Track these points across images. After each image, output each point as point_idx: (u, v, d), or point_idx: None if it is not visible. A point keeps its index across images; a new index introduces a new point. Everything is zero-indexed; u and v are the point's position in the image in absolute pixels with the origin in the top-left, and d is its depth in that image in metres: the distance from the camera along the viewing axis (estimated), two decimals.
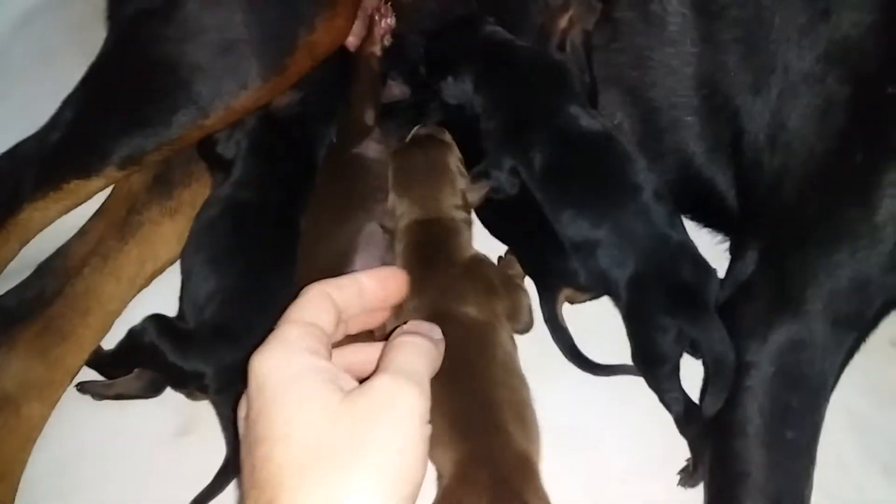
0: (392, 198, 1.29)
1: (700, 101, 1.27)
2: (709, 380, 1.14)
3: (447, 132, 1.34)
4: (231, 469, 1.18)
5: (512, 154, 1.28)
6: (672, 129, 1.31)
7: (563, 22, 1.33)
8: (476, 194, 1.30)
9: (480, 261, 1.25)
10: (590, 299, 1.27)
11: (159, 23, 1.23)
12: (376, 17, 1.38)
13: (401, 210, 1.28)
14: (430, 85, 1.37)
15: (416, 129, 1.34)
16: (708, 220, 1.34)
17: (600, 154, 1.23)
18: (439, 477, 1.07)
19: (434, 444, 1.00)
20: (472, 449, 1.05)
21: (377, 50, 1.39)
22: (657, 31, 1.29)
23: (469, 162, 1.32)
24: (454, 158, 1.32)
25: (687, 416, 1.16)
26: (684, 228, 1.22)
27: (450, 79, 1.34)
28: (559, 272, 1.24)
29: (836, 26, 1.15)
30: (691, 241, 1.20)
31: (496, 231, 1.33)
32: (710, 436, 1.14)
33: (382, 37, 1.39)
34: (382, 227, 1.28)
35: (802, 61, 1.16)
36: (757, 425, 1.09)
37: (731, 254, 1.27)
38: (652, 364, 1.17)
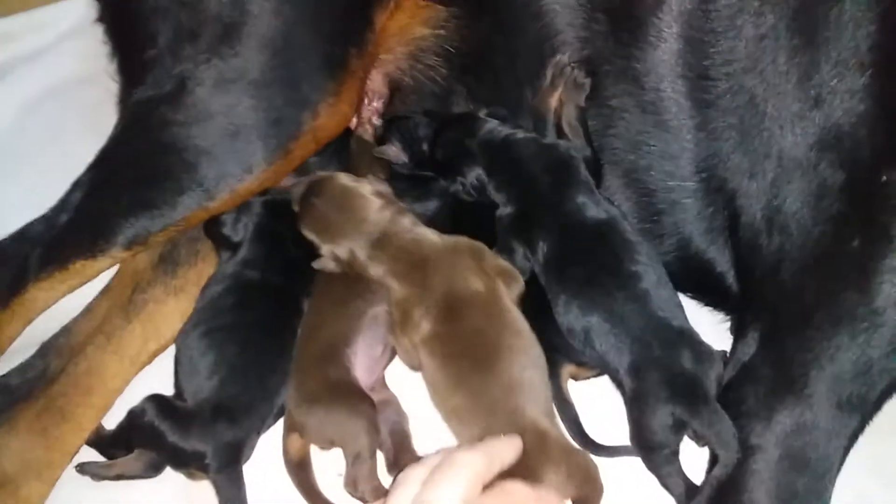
0: (326, 249, 1.30)
1: (697, 184, 1.30)
2: (712, 466, 1.14)
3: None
4: None
5: (521, 243, 1.31)
6: (670, 211, 1.33)
7: (553, 101, 1.36)
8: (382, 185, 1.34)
9: (454, 241, 1.29)
10: (594, 376, 1.28)
11: (168, 108, 1.27)
12: (365, 102, 1.43)
13: (335, 249, 1.29)
14: (448, 185, 1.41)
15: (295, 190, 1.35)
16: (708, 299, 1.35)
17: (599, 244, 1.26)
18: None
19: (456, 419, 1.14)
20: (489, 426, 1.11)
21: (368, 128, 1.44)
22: (652, 117, 1.31)
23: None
24: (346, 177, 1.34)
25: (688, 499, 1.16)
26: (685, 317, 1.23)
27: (459, 180, 1.38)
28: (563, 349, 1.25)
29: (829, 114, 1.17)
30: (692, 329, 1.21)
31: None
32: None
33: (370, 118, 1.44)
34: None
35: (796, 147, 1.18)
36: None
37: (732, 333, 1.28)
38: (649, 450, 1.17)
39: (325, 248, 1.31)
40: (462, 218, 1.39)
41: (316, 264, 1.32)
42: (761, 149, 1.23)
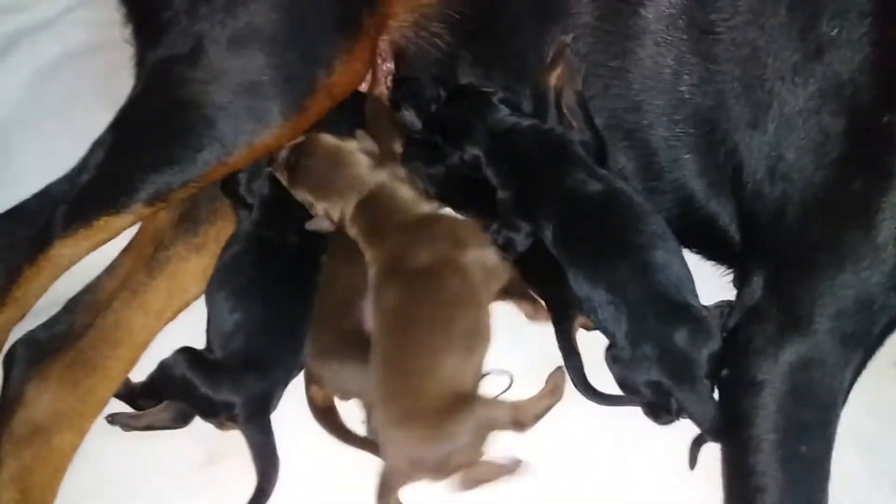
0: (320, 207, 1.34)
1: (698, 139, 1.33)
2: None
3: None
4: (261, 495, 1.22)
5: (523, 220, 1.34)
6: (672, 167, 1.36)
7: (552, 80, 1.38)
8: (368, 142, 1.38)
9: (438, 217, 1.33)
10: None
11: (186, 66, 1.30)
12: (378, 62, 1.46)
13: (329, 208, 1.33)
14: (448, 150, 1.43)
15: (280, 155, 1.37)
16: (711, 253, 1.38)
17: (603, 217, 1.30)
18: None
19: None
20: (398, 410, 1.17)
21: (382, 90, 1.46)
22: (653, 74, 1.34)
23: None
24: (331, 137, 1.37)
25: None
26: (693, 290, 1.26)
27: (457, 153, 1.41)
28: (576, 301, 1.28)
29: (829, 63, 1.21)
30: (696, 304, 1.24)
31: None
32: (724, 453, 1.18)
33: (385, 79, 1.46)
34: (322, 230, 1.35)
35: (797, 97, 1.22)
36: (772, 441, 1.13)
37: (734, 284, 1.33)
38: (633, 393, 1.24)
39: (319, 207, 1.35)
40: (470, 186, 1.42)
41: (310, 225, 1.36)
42: (763, 100, 1.26)
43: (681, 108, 1.33)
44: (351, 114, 1.43)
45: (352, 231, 1.32)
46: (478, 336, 1.23)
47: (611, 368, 1.25)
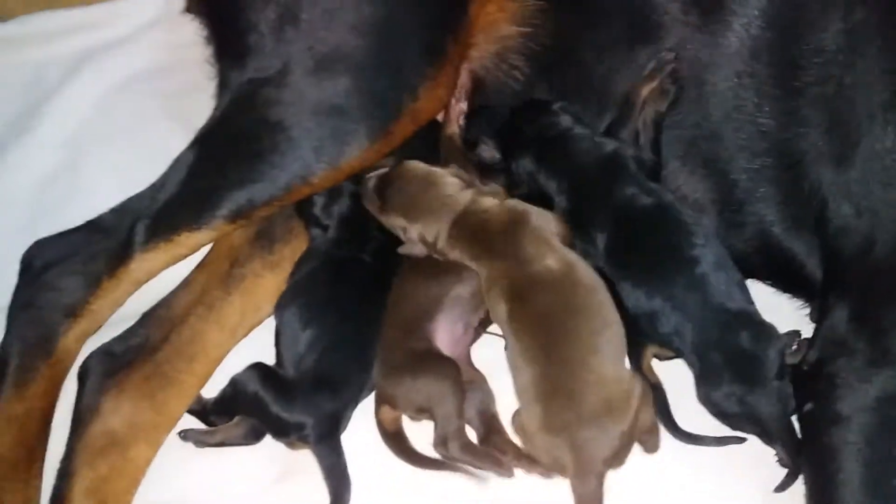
0: (414, 230, 1.34)
1: (781, 173, 1.33)
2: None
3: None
4: None
5: (577, 235, 1.35)
6: (751, 200, 1.36)
7: (644, 93, 1.39)
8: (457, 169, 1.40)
9: (520, 212, 1.33)
10: (676, 357, 1.30)
11: (273, 89, 1.31)
12: (452, 102, 1.47)
13: (424, 230, 1.33)
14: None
15: (369, 184, 1.39)
16: (788, 285, 1.39)
17: (654, 231, 1.30)
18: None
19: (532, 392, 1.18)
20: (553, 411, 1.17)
21: (455, 128, 1.48)
22: (734, 105, 1.35)
23: None
24: (421, 164, 1.38)
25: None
26: (747, 296, 1.27)
27: (512, 163, 1.43)
28: (644, 329, 1.28)
29: None
30: (753, 309, 1.26)
31: None
32: (810, 490, 1.18)
33: (457, 118, 1.48)
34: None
35: (886, 135, 1.23)
36: (861, 476, 1.11)
37: (812, 318, 1.33)
38: (722, 417, 1.24)
39: (412, 230, 1.35)
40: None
41: (402, 250, 1.37)
42: (850, 136, 1.26)
43: (761, 141, 1.33)
44: (425, 143, 1.45)
45: (452, 253, 1.33)
46: (614, 333, 1.24)
47: (701, 401, 1.24)
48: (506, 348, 1.28)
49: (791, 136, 1.32)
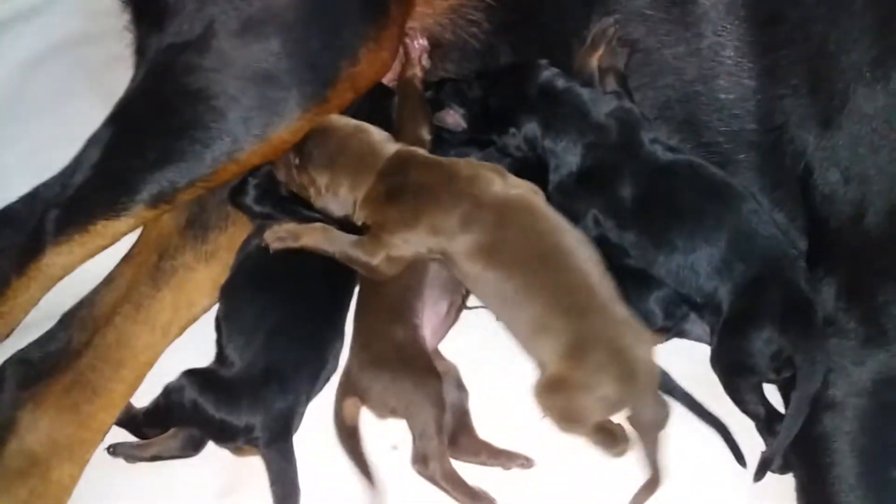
0: (341, 186, 1.22)
1: (760, 136, 1.24)
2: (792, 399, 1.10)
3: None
4: None
5: (590, 200, 1.25)
6: (731, 168, 1.26)
7: (593, 62, 1.31)
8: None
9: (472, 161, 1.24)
10: (664, 341, 1.23)
11: (194, 53, 1.19)
12: (409, 41, 1.34)
13: (353, 186, 1.21)
14: (494, 139, 1.32)
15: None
16: None
17: (694, 173, 1.23)
18: (541, 366, 1.13)
19: (534, 333, 1.10)
20: (577, 330, 1.09)
21: (418, 71, 1.34)
22: (712, 66, 1.25)
23: None
24: (347, 118, 1.25)
25: (768, 426, 1.14)
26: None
27: (512, 130, 1.30)
28: (640, 314, 1.19)
29: None
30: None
31: None
32: (801, 482, 1.10)
33: (419, 58, 1.34)
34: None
35: (876, 95, 1.13)
36: (856, 466, 1.03)
37: None
38: (740, 375, 1.15)
39: (341, 187, 1.22)
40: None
41: (318, 204, 1.23)
42: (836, 97, 1.17)
43: (739, 104, 1.24)
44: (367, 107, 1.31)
45: (366, 212, 1.21)
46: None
47: (717, 367, 1.17)
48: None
49: (772, 97, 1.22)
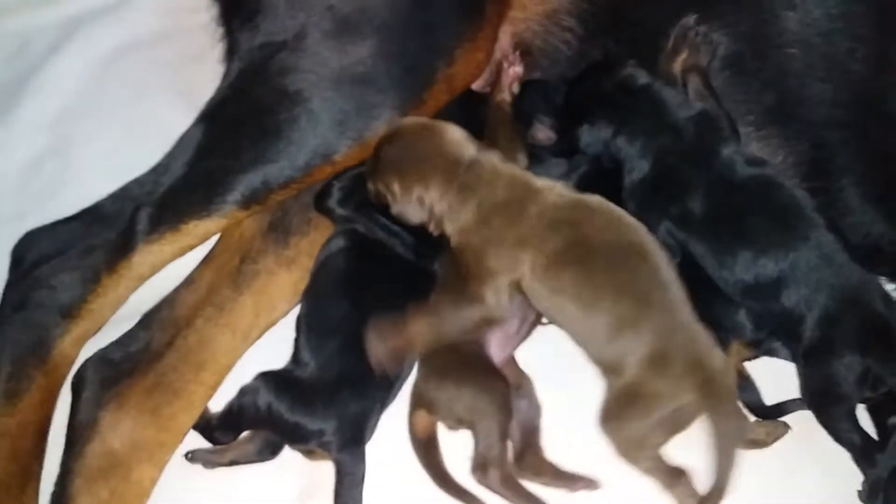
0: (413, 190, 1.17)
1: (871, 128, 1.20)
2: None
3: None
4: None
5: (661, 208, 1.20)
6: (835, 164, 1.22)
7: (677, 67, 1.27)
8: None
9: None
10: (754, 357, 1.20)
11: (289, 54, 1.17)
12: (504, 65, 1.31)
13: (426, 192, 1.16)
14: (568, 133, 1.28)
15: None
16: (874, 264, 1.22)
17: (767, 193, 1.18)
18: (611, 372, 1.08)
19: (616, 332, 1.06)
20: (663, 328, 1.06)
21: (506, 96, 1.30)
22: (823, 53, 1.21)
23: None
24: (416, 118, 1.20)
25: (865, 455, 1.10)
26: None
27: (585, 126, 1.26)
28: (728, 327, 1.17)
29: None
30: (874, 275, 1.15)
31: None
32: None
33: (510, 84, 1.31)
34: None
35: None
36: None
37: None
38: (830, 404, 1.12)
39: (413, 191, 1.17)
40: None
41: (395, 210, 1.19)
42: None
43: (851, 92, 1.19)
44: (463, 115, 1.27)
45: (461, 216, 1.16)
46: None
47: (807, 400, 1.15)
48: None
49: (886, 87, 1.17)
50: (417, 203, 1.18)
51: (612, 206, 1.15)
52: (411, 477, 1.14)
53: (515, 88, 1.30)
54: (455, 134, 1.19)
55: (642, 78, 1.26)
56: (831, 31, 1.19)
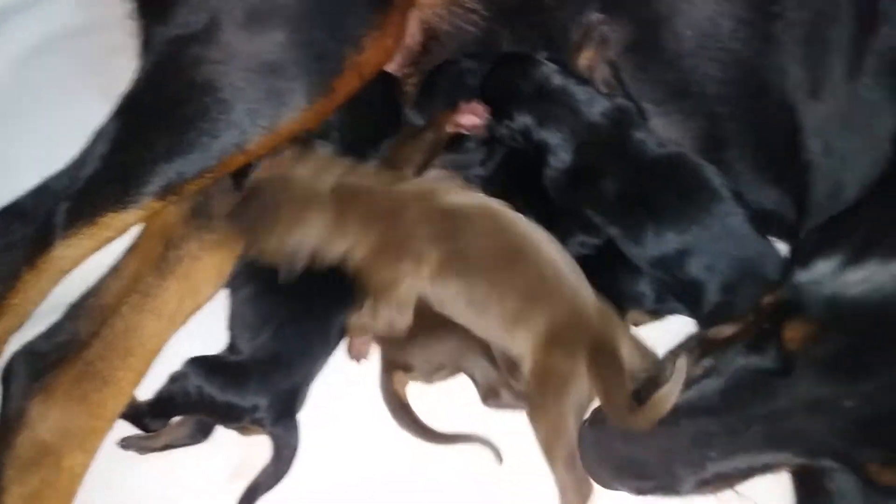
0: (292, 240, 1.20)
1: (756, 105, 1.24)
2: None
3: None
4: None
5: (581, 194, 1.26)
6: (729, 139, 1.26)
7: (583, 61, 1.32)
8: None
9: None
10: (651, 321, 1.26)
11: (201, 46, 1.18)
12: (464, 116, 1.32)
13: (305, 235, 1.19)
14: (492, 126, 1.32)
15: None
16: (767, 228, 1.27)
17: (675, 171, 1.23)
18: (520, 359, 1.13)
19: (521, 322, 1.11)
20: (555, 312, 1.11)
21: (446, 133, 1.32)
22: (708, 36, 1.24)
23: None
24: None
25: None
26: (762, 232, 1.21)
27: (506, 122, 1.31)
28: (629, 296, 1.23)
29: (885, 38, 1.12)
30: (771, 243, 1.20)
31: None
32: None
33: (470, 128, 1.33)
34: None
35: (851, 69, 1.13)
36: None
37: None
38: None
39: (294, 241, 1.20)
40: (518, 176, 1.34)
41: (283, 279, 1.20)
42: (823, 69, 1.17)
43: (736, 70, 1.23)
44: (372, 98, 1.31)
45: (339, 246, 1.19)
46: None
47: None
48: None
49: (768, 65, 1.21)
50: (300, 246, 1.20)
51: (492, 208, 1.19)
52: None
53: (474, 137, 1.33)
54: (305, 170, 1.22)
55: (557, 79, 1.30)
56: (718, 13, 1.23)
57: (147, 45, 1.25)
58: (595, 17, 1.29)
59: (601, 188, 1.24)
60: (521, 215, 1.20)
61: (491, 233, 1.17)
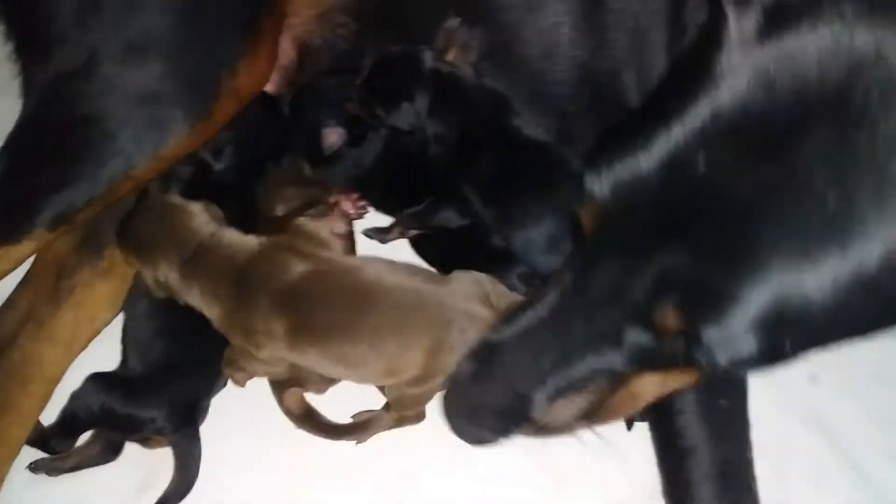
0: (146, 275, 1.26)
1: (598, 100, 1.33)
2: None
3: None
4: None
5: (461, 172, 1.34)
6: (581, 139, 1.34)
7: (444, 67, 1.39)
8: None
9: (273, 241, 1.26)
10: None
11: (81, 81, 1.22)
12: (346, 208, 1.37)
13: (157, 272, 1.25)
14: (382, 115, 1.39)
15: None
16: None
17: (542, 155, 1.32)
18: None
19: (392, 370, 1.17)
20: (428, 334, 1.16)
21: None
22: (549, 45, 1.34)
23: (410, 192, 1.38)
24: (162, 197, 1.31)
25: None
26: None
27: (404, 105, 1.38)
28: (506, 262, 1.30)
29: None
30: None
31: (435, 260, 1.37)
32: (653, 423, 1.22)
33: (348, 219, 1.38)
34: None
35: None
36: (692, 401, 1.16)
37: None
38: None
39: (145, 275, 1.26)
40: (397, 167, 1.43)
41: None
42: (648, 74, 1.26)
43: (578, 73, 1.32)
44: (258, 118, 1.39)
45: (190, 296, 1.24)
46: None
47: None
48: None
49: (605, 70, 1.30)
50: (153, 284, 1.25)
51: (320, 269, 1.21)
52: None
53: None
54: (196, 218, 1.28)
55: (444, 66, 1.38)
56: (557, 24, 1.32)
57: (29, 84, 1.27)
58: (453, 21, 1.37)
59: (480, 165, 1.32)
60: (354, 258, 1.27)
61: (330, 293, 1.19)
